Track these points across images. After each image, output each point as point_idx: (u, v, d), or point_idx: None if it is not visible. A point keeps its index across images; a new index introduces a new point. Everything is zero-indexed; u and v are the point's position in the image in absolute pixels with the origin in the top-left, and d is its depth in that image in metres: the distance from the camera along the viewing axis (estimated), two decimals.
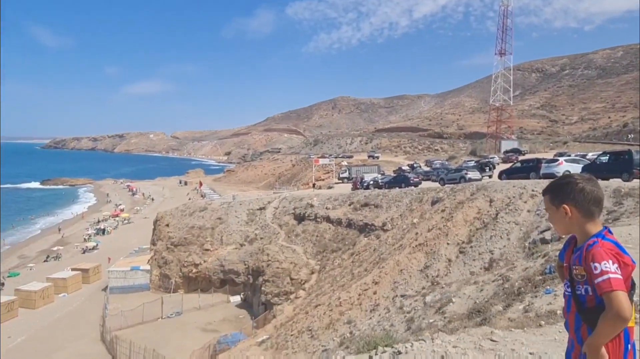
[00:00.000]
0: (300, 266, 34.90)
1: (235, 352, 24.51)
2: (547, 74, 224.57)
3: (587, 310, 2.09)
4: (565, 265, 2.26)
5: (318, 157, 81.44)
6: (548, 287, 6.59)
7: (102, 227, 71.30)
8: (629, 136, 70.26)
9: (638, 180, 21.33)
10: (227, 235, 44.00)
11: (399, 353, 3.95)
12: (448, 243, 23.60)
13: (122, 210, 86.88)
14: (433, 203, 28.58)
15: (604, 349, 1.99)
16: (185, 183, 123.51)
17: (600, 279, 1.97)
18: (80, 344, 29.38)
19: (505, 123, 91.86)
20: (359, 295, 23.45)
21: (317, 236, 36.89)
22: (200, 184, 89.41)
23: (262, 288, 35.15)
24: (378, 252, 28.10)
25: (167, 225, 46.73)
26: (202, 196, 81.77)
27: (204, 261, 42.71)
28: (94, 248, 59.57)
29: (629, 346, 2.04)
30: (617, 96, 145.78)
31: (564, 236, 2.31)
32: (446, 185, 31.52)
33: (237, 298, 39.77)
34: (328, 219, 36.80)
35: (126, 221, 78.05)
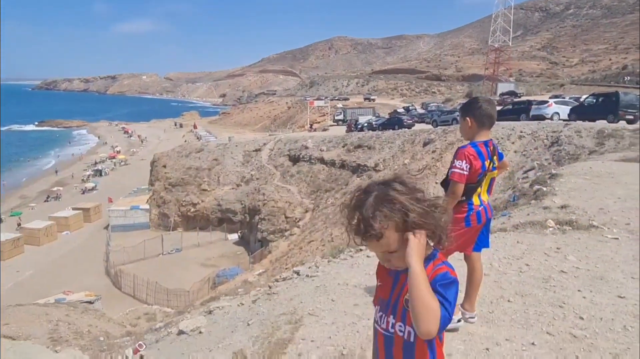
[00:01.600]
0: (295, 205, 35.96)
1: (233, 285, 25.99)
2: (550, 13, 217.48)
3: (445, 181, 3.00)
4: None
5: (313, 99, 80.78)
6: (505, 211, 7.33)
7: (100, 169, 71.82)
8: (626, 78, 69.65)
9: (624, 122, 21.91)
10: (224, 176, 44.78)
11: (361, 250, 4.72)
12: (436, 182, 24.39)
13: (118, 152, 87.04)
14: (425, 144, 29.09)
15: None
16: (181, 126, 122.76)
17: (451, 170, 2.86)
18: (87, 278, 30.86)
19: (504, 65, 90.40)
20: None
21: (311, 176, 37.68)
22: (195, 126, 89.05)
23: (259, 226, 36.41)
24: None
25: (165, 166, 47.32)
26: (197, 138, 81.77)
27: (202, 201, 43.74)
28: (93, 188, 60.39)
29: (473, 212, 2.94)
30: (621, 37, 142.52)
31: (467, 140, 2.95)
32: (438, 127, 31.92)
33: (234, 236, 41.13)
34: (322, 160, 37.44)
35: (123, 162, 78.48)
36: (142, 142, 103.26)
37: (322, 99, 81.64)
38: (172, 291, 27.73)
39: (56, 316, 12.42)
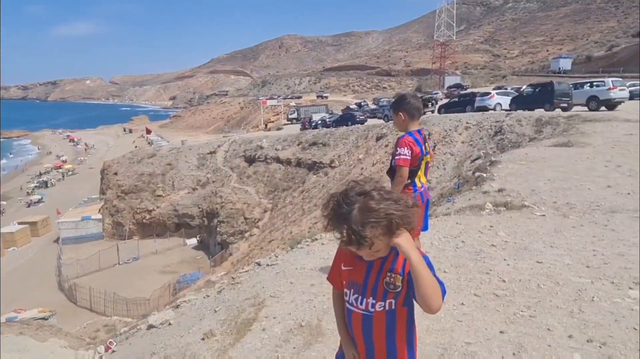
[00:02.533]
0: (253, 205, 35.99)
1: (196, 288, 25.80)
2: (491, 8, 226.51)
3: (390, 170, 3.47)
4: None
5: (266, 99, 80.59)
6: (450, 197, 7.93)
7: (45, 180, 68.66)
8: (561, 68, 73.91)
9: (559, 110, 23.43)
10: (179, 180, 44.08)
11: (316, 239, 5.09)
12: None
13: (64, 162, 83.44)
14: (378, 139, 29.86)
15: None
16: (130, 131, 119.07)
17: (396, 157, 3.30)
18: (39, 294, 29.65)
19: (450, 59, 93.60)
20: (310, 228, 24.92)
21: (268, 176, 37.79)
22: (148, 131, 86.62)
23: (218, 229, 36.16)
24: (326, 188, 29.49)
25: (116, 174, 46.02)
26: (149, 143, 79.68)
27: (157, 207, 42.89)
28: (39, 201, 57.69)
29: (417, 193, 3.41)
30: (556, 29, 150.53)
31: (402, 132, 3.40)
32: (390, 121, 32.76)
33: (193, 241, 40.63)
34: (278, 159, 37.63)
35: (70, 172, 75.37)
36: (89, 149, 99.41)
37: (275, 98, 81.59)
38: (132, 301, 27.15)
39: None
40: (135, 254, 37.36)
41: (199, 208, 41.06)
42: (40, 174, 73.84)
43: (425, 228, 3.55)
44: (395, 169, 3.34)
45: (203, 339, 3.02)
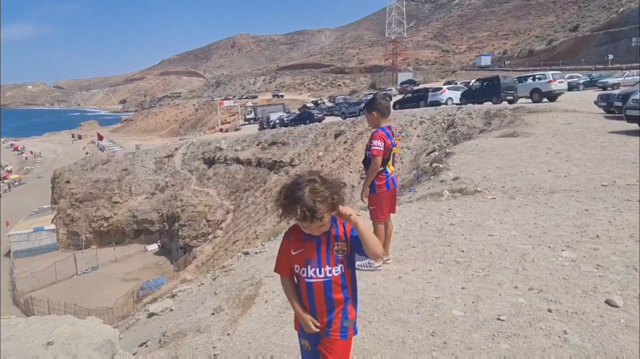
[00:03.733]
0: (215, 207, 35.89)
1: (160, 293, 25.57)
2: (438, 4, 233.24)
3: (366, 160, 4.04)
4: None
5: (222, 100, 79.82)
6: (412, 187, 8.65)
7: None
8: (506, 63, 77.56)
9: (506, 102, 24.88)
10: (136, 186, 43.19)
11: None
12: (351, 171, 25.98)
13: (9, 172, 79.31)
14: (336, 136, 30.50)
15: (367, 190, 4.08)
16: (79, 137, 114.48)
17: (371, 148, 3.89)
18: None
19: (401, 55, 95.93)
20: (274, 226, 25.25)
21: (228, 177, 37.74)
22: (100, 137, 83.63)
23: (179, 233, 35.79)
24: None
25: (68, 182, 44.49)
26: (100, 149, 77.09)
27: (115, 214, 41.87)
28: None
29: (389, 179, 4.00)
30: (500, 24, 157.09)
31: (374, 128, 3.98)
32: (347, 119, 33.52)
33: (154, 246, 39.94)
34: (238, 160, 37.64)
35: (17, 182, 71.81)
36: (36, 158, 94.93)
37: (230, 99, 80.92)
38: (94, 311, 26.48)
39: None
40: (94, 263, 36.38)
41: (159, 212, 40.43)
42: None
43: (393, 209, 4.18)
44: (370, 159, 3.90)
45: (213, 314, 3.45)
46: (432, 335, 2.83)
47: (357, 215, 1.89)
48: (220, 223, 34.76)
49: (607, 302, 3.03)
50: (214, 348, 3.01)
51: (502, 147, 11.02)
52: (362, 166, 4.13)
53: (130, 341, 3.99)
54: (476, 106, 23.64)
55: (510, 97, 24.97)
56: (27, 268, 34.86)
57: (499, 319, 2.94)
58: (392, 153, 4.00)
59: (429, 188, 8.05)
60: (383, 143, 3.90)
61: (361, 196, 4.15)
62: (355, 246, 1.91)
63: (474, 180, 7.80)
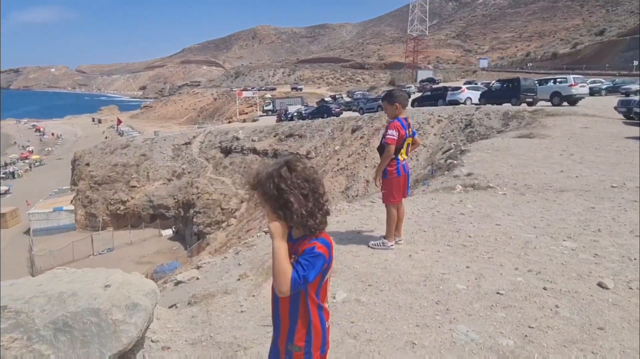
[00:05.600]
0: (230, 196, 36.43)
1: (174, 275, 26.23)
2: (462, 3, 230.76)
3: (380, 147, 4.32)
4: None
5: (241, 90, 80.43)
6: (425, 181, 8.93)
7: (12, 171, 66.81)
8: (529, 65, 76.64)
9: (525, 104, 24.84)
10: (154, 171, 43.95)
11: None
12: (366, 166, 26.23)
13: (31, 152, 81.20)
14: (353, 131, 30.70)
15: (380, 177, 4.30)
16: (99, 121, 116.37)
17: (386, 137, 4.18)
18: None
19: (422, 53, 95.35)
20: None
21: (244, 167, 38.22)
22: (120, 122, 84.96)
23: (194, 220, 36.44)
24: None
25: (88, 164, 45.49)
26: (120, 134, 78.44)
27: (132, 198, 42.70)
28: (6, 192, 56.19)
29: (400, 165, 4.28)
30: (525, 26, 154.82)
31: (390, 119, 4.29)
32: (365, 114, 33.68)
33: (168, 231, 40.65)
34: (254, 151, 38.09)
35: (38, 163, 73.50)
36: (57, 140, 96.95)
37: (249, 90, 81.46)
38: None
39: None
40: (110, 245, 37.19)
41: (175, 199, 41.16)
42: (6, 164, 71.75)
43: (407, 193, 4.49)
44: (385, 146, 4.23)
45: (238, 279, 3.82)
46: (437, 303, 3.16)
47: (275, 233, 1.63)
48: (235, 212, 35.29)
49: (599, 284, 3.32)
50: (241, 306, 3.37)
51: (517, 146, 11.21)
52: (380, 160, 4.47)
53: (160, 304, 4.37)
54: (495, 107, 23.63)
55: (530, 100, 24.90)
56: (46, 247, 35.82)
57: (498, 293, 3.25)
58: (405, 142, 4.31)
59: (442, 182, 8.32)
60: (397, 133, 4.21)
61: (374, 181, 4.49)
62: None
63: (486, 176, 8.04)
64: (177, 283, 4.81)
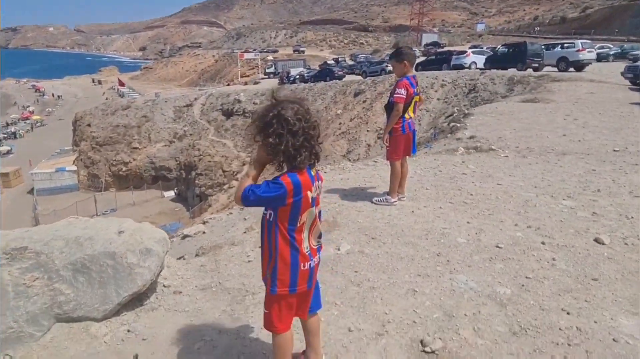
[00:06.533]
0: (232, 158, 36.52)
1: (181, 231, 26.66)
2: None
3: (388, 105, 4.34)
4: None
5: (243, 52, 79.06)
6: (428, 143, 8.97)
7: (13, 131, 66.66)
8: (536, 29, 74.94)
9: (530, 70, 24.48)
10: (155, 133, 43.81)
11: (318, 170, 6.16)
12: (368, 131, 26.16)
13: (32, 112, 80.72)
14: (355, 94, 30.45)
15: (387, 135, 4.34)
16: (99, 82, 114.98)
17: (394, 95, 4.19)
18: None
19: (428, 15, 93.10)
20: None
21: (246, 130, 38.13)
22: (122, 83, 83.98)
23: (196, 182, 36.69)
24: None
25: (89, 125, 45.29)
26: (120, 95, 77.67)
27: (134, 160, 42.79)
28: (8, 152, 56.29)
29: (406, 123, 4.27)
30: None
31: (398, 77, 4.27)
32: (368, 78, 33.27)
33: (170, 193, 40.98)
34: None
35: (39, 123, 73.23)
36: (57, 100, 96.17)
37: (251, 51, 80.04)
38: None
39: None
40: (113, 206, 37.55)
41: (176, 160, 41.25)
42: (7, 124, 71.52)
43: (413, 151, 4.54)
44: (393, 105, 4.24)
45: (245, 232, 3.93)
46: (438, 255, 3.28)
47: (256, 160, 1.84)
48: (236, 174, 35.44)
49: (596, 240, 3.43)
50: (248, 256, 3.49)
51: (521, 111, 11.17)
52: (382, 123, 4.48)
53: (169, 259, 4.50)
54: (500, 72, 23.32)
55: (536, 65, 24.50)
56: (49, 206, 36.19)
57: (497, 247, 3.36)
58: (413, 101, 4.33)
59: (445, 145, 8.36)
60: (406, 92, 4.21)
61: (383, 139, 4.52)
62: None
63: (489, 139, 8.07)
64: (184, 237, 4.94)
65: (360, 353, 2.28)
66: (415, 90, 4.30)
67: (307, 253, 1.88)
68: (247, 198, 1.76)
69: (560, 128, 8.82)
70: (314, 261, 1.93)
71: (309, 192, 1.80)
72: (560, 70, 23.57)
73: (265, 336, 2.06)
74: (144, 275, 2.64)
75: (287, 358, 2.02)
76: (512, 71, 23.40)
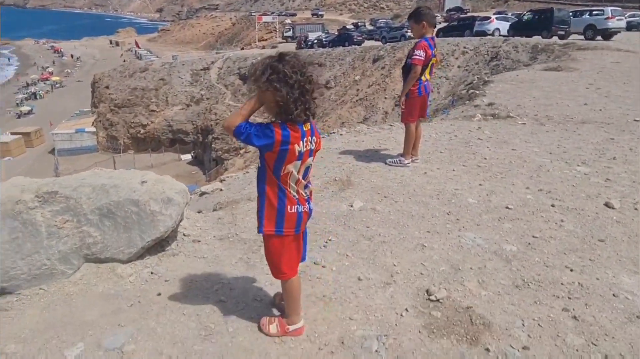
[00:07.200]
0: None
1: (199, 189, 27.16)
2: None
3: (405, 67, 4.32)
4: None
5: (260, 14, 77.75)
6: (445, 109, 8.91)
7: (34, 91, 67.47)
8: None
9: (556, 37, 23.69)
10: (172, 96, 43.93)
11: (334, 132, 6.16)
12: (385, 98, 25.85)
13: (51, 73, 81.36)
14: (374, 60, 29.95)
15: (404, 98, 4.33)
16: (117, 44, 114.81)
17: (413, 57, 4.15)
18: None
19: None
20: None
21: None
22: (138, 45, 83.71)
23: (212, 145, 36.98)
24: (322, 108, 30.01)
25: (107, 87, 45.57)
26: (137, 57, 77.54)
27: (151, 122, 43.16)
28: (29, 112, 57.24)
29: (422, 85, 4.29)
30: None
31: (416, 38, 4.24)
32: (387, 44, 32.62)
33: (187, 156, 41.46)
34: None
35: (58, 84, 73.92)
36: (75, 61, 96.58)
37: (269, 14, 78.68)
38: None
39: None
40: (131, 167, 38.13)
41: (193, 124, 41.48)
42: (28, 85, 72.36)
43: (427, 114, 4.56)
44: (411, 67, 4.23)
45: None
46: (448, 214, 3.36)
47: (256, 98, 1.90)
48: None
49: (606, 204, 3.47)
50: None
51: (542, 79, 10.94)
52: (400, 90, 4.41)
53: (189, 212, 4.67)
54: (524, 39, 22.64)
55: (562, 32, 23.70)
56: (70, 167, 36.96)
57: (507, 208, 3.43)
58: (430, 63, 4.31)
59: (462, 111, 8.29)
60: (425, 54, 4.18)
61: (399, 102, 4.52)
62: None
63: (507, 106, 7.98)
64: (202, 194, 5.10)
65: (368, 298, 2.41)
66: (433, 51, 4.27)
67: (294, 198, 1.99)
68: (240, 135, 1.87)
69: (582, 97, 8.66)
70: (302, 208, 2.03)
71: (296, 146, 1.89)
72: (587, 39, 22.77)
73: (279, 283, 2.20)
74: (166, 222, 2.78)
75: (296, 299, 2.15)
76: (536, 39, 22.71)
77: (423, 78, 4.33)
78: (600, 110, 7.57)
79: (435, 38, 4.41)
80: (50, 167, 38.90)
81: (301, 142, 1.90)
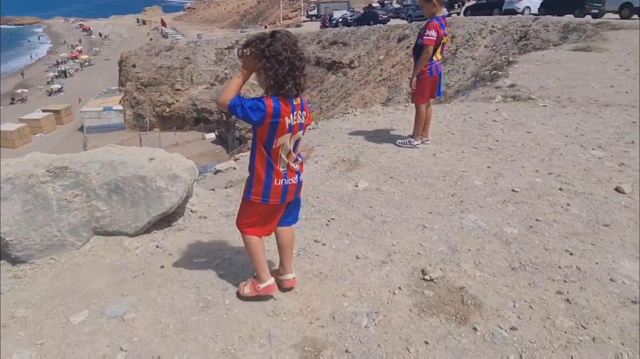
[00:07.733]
0: None
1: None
2: None
3: (416, 47, 4.27)
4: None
5: None
6: (466, 91, 8.74)
7: (64, 69, 68.93)
8: None
9: (589, 16, 22.73)
10: (197, 75, 44.20)
11: (348, 113, 6.16)
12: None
13: (80, 52, 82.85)
14: (399, 40, 29.40)
15: (415, 79, 4.29)
16: (144, 22, 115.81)
17: (424, 37, 4.11)
18: None
19: None
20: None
21: None
22: (164, 23, 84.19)
23: (236, 125, 37.23)
24: (345, 88, 29.81)
25: (134, 66, 46.10)
26: (163, 36, 78.04)
27: (177, 101, 43.66)
28: (59, 90, 58.63)
29: (433, 66, 4.23)
30: None
31: (428, 17, 4.17)
32: (413, 22, 31.91)
33: (211, 135, 41.92)
34: None
35: (87, 63, 75.28)
36: (103, 40, 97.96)
37: None
38: None
39: None
40: (157, 145, 38.61)
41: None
42: (58, 63, 73.92)
43: (439, 94, 4.50)
44: (422, 47, 4.17)
45: None
46: (452, 196, 3.36)
47: (247, 68, 1.98)
48: None
49: (616, 189, 3.39)
50: None
51: (569, 59, 10.58)
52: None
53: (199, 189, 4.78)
54: (555, 18, 21.86)
55: (596, 11, 22.66)
56: (98, 144, 37.50)
57: (513, 191, 3.40)
58: (442, 42, 4.24)
59: (483, 93, 8.12)
60: (436, 34, 4.11)
61: (410, 83, 4.46)
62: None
63: (530, 88, 7.78)
64: (216, 172, 5.20)
65: (363, 276, 2.46)
66: (445, 31, 4.19)
67: (282, 171, 2.10)
68: (235, 110, 1.96)
69: (609, 79, 8.36)
70: (290, 180, 2.13)
71: (286, 118, 1.98)
72: (622, 17, 21.73)
73: (278, 261, 2.29)
74: (172, 198, 2.88)
75: (259, 257, 2.24)
76: (568, 17, 21.91)
77: (434, 58, 4.27)
78: (627, 92, 7.30)
79: (444, 16, 4.32)
80: (79, 144, 39.88)
81: (291, 115, 1.99)
